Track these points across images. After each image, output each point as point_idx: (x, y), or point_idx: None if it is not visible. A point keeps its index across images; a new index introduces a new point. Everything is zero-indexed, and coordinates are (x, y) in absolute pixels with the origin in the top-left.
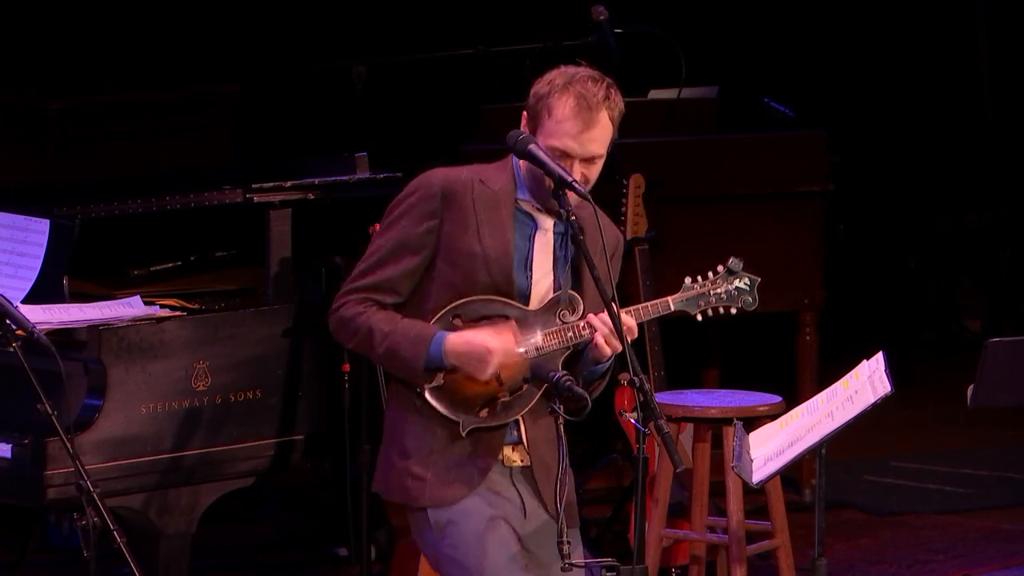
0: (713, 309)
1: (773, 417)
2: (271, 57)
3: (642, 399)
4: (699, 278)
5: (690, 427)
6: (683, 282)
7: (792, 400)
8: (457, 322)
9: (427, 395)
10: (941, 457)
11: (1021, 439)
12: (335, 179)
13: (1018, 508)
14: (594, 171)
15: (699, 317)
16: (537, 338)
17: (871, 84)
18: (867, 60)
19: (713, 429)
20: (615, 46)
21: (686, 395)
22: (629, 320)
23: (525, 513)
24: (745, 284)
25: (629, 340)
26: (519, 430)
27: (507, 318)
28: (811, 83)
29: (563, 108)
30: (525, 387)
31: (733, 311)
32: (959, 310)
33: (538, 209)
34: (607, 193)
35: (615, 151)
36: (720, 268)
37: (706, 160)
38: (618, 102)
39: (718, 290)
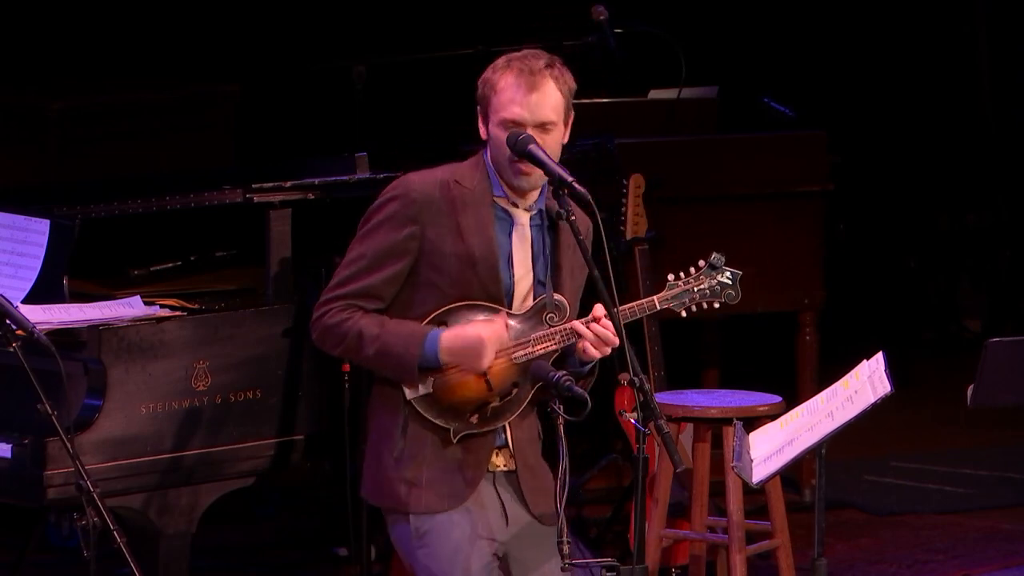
0: (697, 305)
1: (773, 417)
2: (271, 57)
3: (642, 399)
4: (682, 274)
5: (690, 427)
6: (667, 280)
7: (792, 400)
8: (443, 328)
9: (415, 405)
10: (941, 457)
11: (1021, 439)
12: (335, 179)
13: (1018, 508)
14: (550, 142)
15: (684, 314)
16: (526, 342)
17: (871, 84)
18: (867, 60)
19: (713, 429)
20: (615, 46)
21: (686, 395)
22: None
23: (507, 520)
24: (727, 278)
25: (616, 340)
26: (505, 433)
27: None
28: (811, 83)
29: (505, 80)
30: (515, 391)
31: (716, 305)
32: (959, 310)
33: (513, 204)
34: (607, 193)
35: (615, 151)
36: (702, 263)
37: (706, 160)
38: (564, 73)
39: (701, 286)
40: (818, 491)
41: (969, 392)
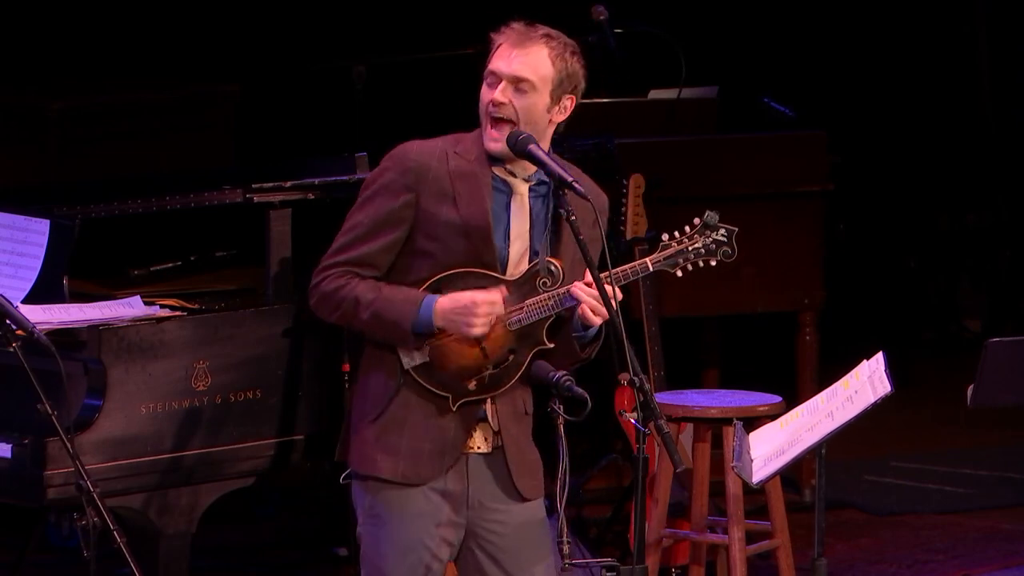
0: (693, 264)
1: (773, 417)
2: (271, 57)
3: (642, 399)
4: (676, 234)
5: (690, 427)
6: (660, 241)
7: (792, 400)
8: (439, 295)
9: (413, 374)
10: (941, 457)
11: (1021, 439)
12: (335, 179)
13: (1018, 508)
14: (525, 103)
15: (679, 273)
16: (520, 308)
17: (871, 84)
18: (867, 60)
19: (713, 429)
20: (615, 46)
21: (686, 395)
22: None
23: (468, 503)
24: (722, 235)
25: (613, 304)
26: (486, 404)
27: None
28: (811, 83)
29: (501, 39)
30: (511, 357)
31: (713, 263)
32: (959, 310)
33: (512, 174)
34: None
35: (615, 151)
36: (697, 221)
37: (706, 160)
38: (563, 50)
39: (696, 245)
40: (818, 491)
41: (969, 392)
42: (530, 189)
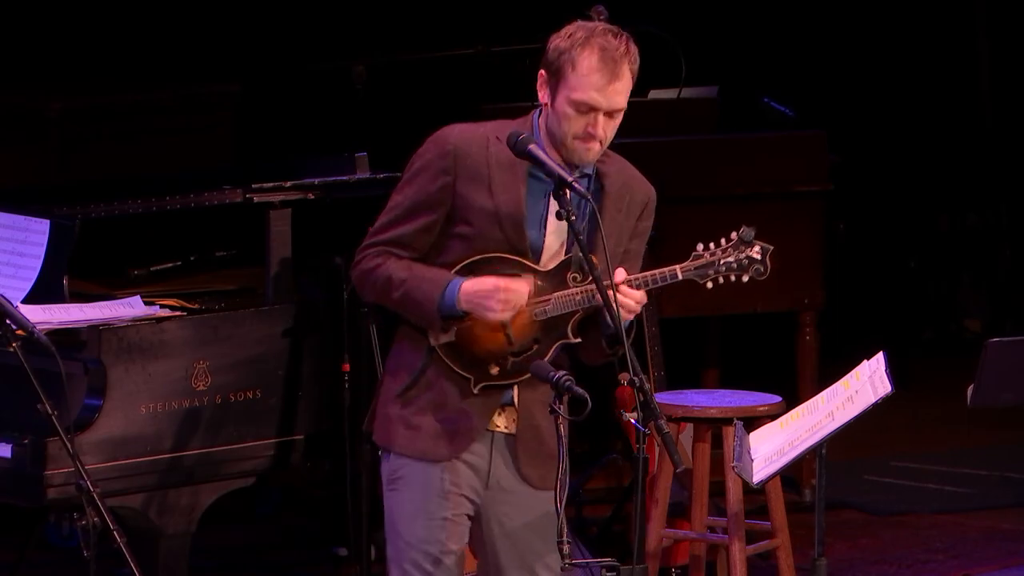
0: (724, 277)
1: (773, 417)
2: (271, 57)
3: (642, 399)
4: (711, 245)
5: (690, 427)
6: (694, 250)
7: (792, 400)
8: (468, 277)
9: (439, 351)
10: (941, 457)
11: (1021, 439)
12: (335, 179)
13: (1018, 508)
14: (613, 125)
15: (709, 285)
16: (548, 299)
17: (871, 84)
18: (867, 60)
19: (713, 429)
20: None
21: (686, 395)
22: (635, 293)
23: (488, 482)
24: (757, 253)
25: (638, 308)
26: (513, 390)
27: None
28: (811, 83)
29: (587, 61)
30: (535, 347)
31: (745, 279)
32: (959, 310)
33: (557, 166)
34: None
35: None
36: (733, 236)
37: (706, 160)
38: (636, 56)
39: (728, 259)
40: (818, 491)
41: (969, 392)
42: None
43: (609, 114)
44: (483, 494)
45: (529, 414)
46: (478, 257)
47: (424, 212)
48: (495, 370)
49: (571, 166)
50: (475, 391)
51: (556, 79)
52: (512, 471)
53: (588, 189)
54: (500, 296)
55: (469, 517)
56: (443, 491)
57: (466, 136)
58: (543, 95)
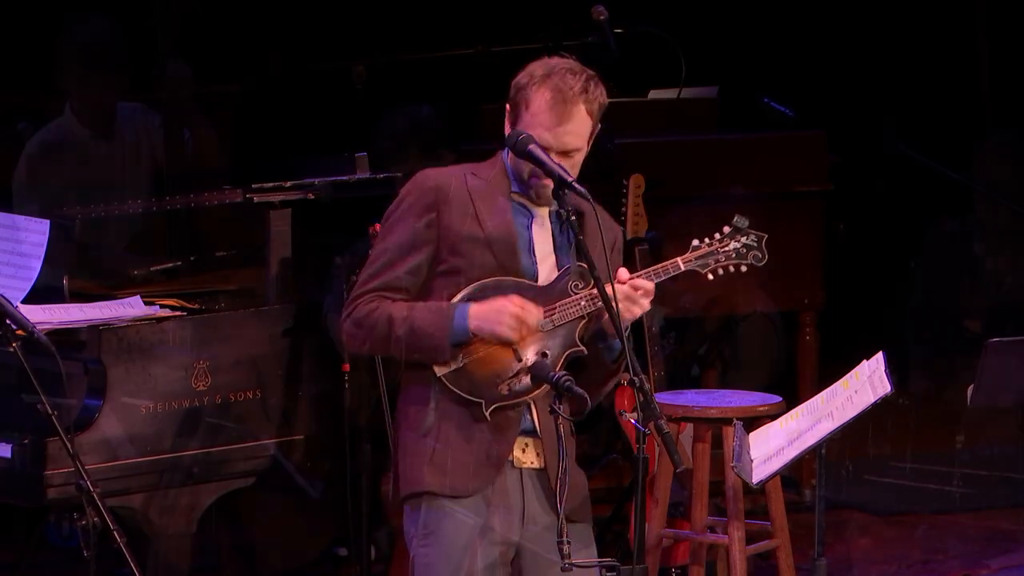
0: (724, 268)
1: (773, 417)
2: (271, 57)
3: (642, 399)
4: (706, 239)
5: (690, 427)
6: (690, 243)
7: (792, 400)
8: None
9: (445, 381)
10: (941, 457)
11: (1021, 439)
12: (335, 179)
13: (1018, 508)
14: (571, 164)
15: (710, 276)
16: (553, 308)
17: (871, 84)
18: (867, 60)
19: (713, 429)
20: (615, 46)
21: (686, 395)
22: (646, 283)
23: (524, 520)
24: (752, 240)
25: (647, 302)
26: (532, 415)
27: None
28: (811, 83)
29: (539, 101)
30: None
31: (744, 267)
32: (959, 310)
33: (532, 201)
34: (607, 193)
35: (615, 150)
36: (726, 228)
37: (706, 160)
38: (598, 95)
39: (727, 248)
40: (818, 491)
41: (969, 392)
42: (549, 213)
43: (564, 153)
44: (521, 532)
45: (551, 443)
46: (480, 283)
47: (413, 252)
48: (505, 389)
49: (542, 202)
50: (487, 413)
51: (515, 115)
52: (545, 507)
53: (566, 221)
54: (512, 311)
55: (503, 559)
56: (476, 544)
57: (443, 174)
58: (508, 130)
